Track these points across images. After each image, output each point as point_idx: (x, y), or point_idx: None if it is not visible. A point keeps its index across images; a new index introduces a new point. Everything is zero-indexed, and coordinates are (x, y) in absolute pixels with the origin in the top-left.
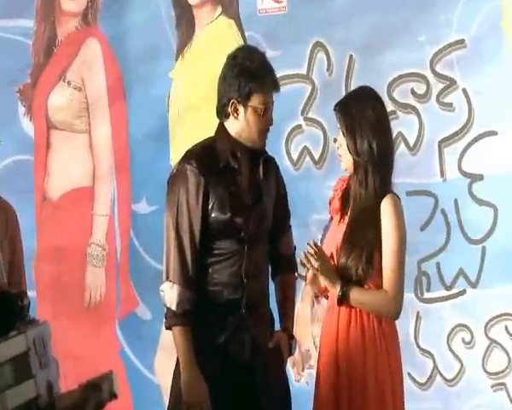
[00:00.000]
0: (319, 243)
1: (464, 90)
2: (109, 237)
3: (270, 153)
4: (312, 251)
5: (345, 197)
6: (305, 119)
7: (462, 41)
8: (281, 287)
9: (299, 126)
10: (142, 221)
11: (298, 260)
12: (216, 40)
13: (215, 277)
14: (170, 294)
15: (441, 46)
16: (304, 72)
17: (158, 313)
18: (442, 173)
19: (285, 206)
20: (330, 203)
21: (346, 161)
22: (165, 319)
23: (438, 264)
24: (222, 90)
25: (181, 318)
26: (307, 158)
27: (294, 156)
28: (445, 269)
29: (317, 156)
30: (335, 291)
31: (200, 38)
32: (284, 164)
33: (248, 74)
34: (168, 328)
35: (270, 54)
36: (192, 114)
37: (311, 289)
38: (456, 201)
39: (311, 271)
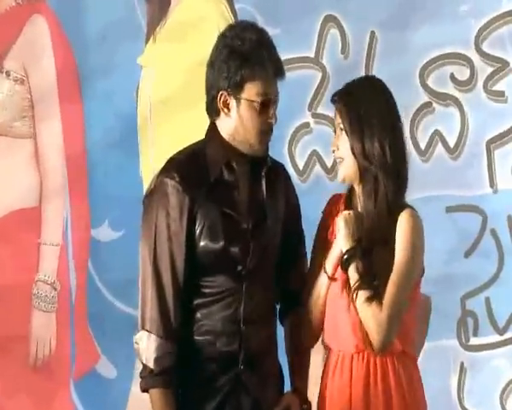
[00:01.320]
0: None
1: None
2: (61, 272)
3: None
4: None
5: None
6: (314, 115)
7: None
8: (291, 332)
9: (307, 125)
10: (103, 251)
11: None
12: (197, 15)
13: (205, 323)
14: (146, 347)
15: (489, 18)
16: (312, 54)
17: (125, 369)
18: (492, 183)
19: (297, 228)
20: (321, 227)
21: (347, 168)
22: (141, 378)
23: (487, 300)
24: (210, 80)
25: (160, 377)
26: (317, 166)
27: (300, 163)
28: (496, 307)
29: (329, 163)
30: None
31: (176, 14)
32: None
33: (239, 57)
34: (144, 390)
35: (268, 32)
36: (167, 111)
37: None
38: (509, 218)
39: None
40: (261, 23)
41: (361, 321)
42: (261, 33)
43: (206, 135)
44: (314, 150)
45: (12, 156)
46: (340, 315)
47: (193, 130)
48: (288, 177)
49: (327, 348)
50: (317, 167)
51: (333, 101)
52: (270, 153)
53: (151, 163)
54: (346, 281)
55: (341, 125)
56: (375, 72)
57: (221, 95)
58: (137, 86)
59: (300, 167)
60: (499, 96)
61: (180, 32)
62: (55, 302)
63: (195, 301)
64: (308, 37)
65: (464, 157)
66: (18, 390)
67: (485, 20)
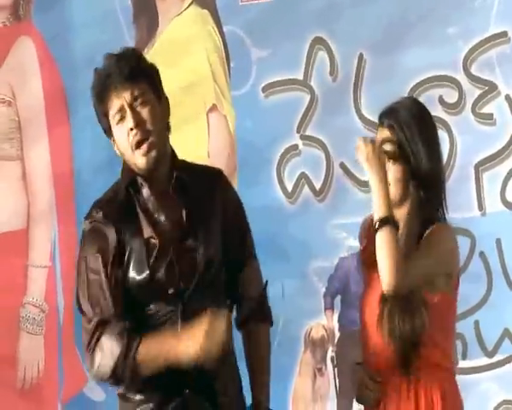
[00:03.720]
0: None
1: (508, 98)
2: (49, 294)
3: (258, 180)
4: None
5: None
6: (303, 137)
7: (504, 34)
8: (247, 341)
9: (295, 147)
10: None
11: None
12: (185, 38)
13: None
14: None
15: (477, 41)
16: (300, 76)
17: (113, 392)
18: (480, 206)
19: (238, 231)
20: (362, 252)
21: (394, 194)
22: None
23: (476, 323)
24: None
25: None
26: (305, 188)
27: (289, 186)
28: (485, 330)
29: (317, 186)
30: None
31: (164, 36)
32: (276, 195)
33: (94, 102)
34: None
35: (256, 53)
36: None
37: (311, 357)
38: (498, 241)
39: None
40: (250, 45)
41: (388, 344)
42: (111, 58)
43: None
44: (302, 172)
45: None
46: (373, 338)
47: (178, 152)
48: (224, 180)
49: (320, 371)
50: (306, 189)
51: (384, 124)
52: (259, 175)
53: None
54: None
55: (387, 147)
56: (364, 94)
57: (112, 142)
58: None
59: (289, 189)
60: (488, 118)
61: (168, 55)
62: (42, 325)
63: (141, 332)
64: (296, 59)
65: (453, 180)
66: None
67: (473, 42)
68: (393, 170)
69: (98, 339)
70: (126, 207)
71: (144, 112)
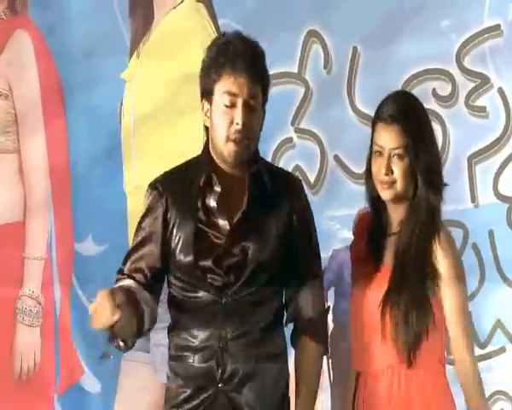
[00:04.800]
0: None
1: (500, 91)
2: (45, 286)
3: None
4: None
5: (375, 239)
6: (297, 130)
7: (497, 27)
8: (296, 359)
9: (290, 140)
10: (87, 265)
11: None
12: (180, 31)
13: (183, 338)
14: None
15: (470, 34)
16: (294, 69)
17: (109, 384)
18: (473, 198)
19: (306, 247)
20: (352, 249)
21: (398, 190)
22: None
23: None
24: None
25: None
26: None
27: None
28: (478, 321)
29: (312, 178)
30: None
31: (160, 29)
32: None
33: (208, 62)
34: None
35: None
36: (151, 125)
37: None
38: (491, 232)
39: None
40: None
41: (390, 332)
42: (233, 36)
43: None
44: (297, 165)
45: None
46: (367, 332)
47: (175, 144)
48: (300, 189)
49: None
50: None
51: (387, 120)
52: None
53: (134, 177)
54: (375, 295)
55: (396, 150)
56: (358, 87)
57: (203, 105)
58: (121, 101)
59: None
60: (480, 111)
61: (163, 48)
62: (39, 317)
63: (176, 317)
64: (291, 52)
65: (446, 172)
66: (2, 405)
67: (466, 35)
68: (399, 166)
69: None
70: (189, 190)
71: (252, 115)
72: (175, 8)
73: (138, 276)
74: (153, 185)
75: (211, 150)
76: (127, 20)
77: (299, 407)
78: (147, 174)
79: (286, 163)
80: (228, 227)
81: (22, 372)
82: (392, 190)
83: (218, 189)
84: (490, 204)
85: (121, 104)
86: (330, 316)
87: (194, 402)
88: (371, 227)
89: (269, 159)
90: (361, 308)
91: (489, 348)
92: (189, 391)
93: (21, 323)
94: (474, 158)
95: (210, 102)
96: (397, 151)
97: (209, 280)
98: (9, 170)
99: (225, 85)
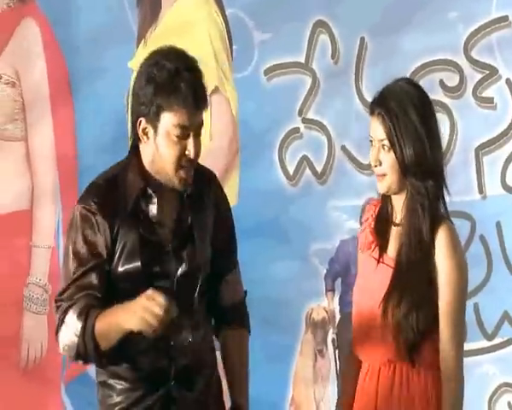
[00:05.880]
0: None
1: (508, 81)
2: (53, 275)
3: (260, 162)
4: None
5: (380, 227)
6: (304, 120)
7: (505, 18)
8: (224, 347)
9: (297, 130)
10: None
11: None
12: (188, 20)
13: (133, 341)
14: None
15: (478, 25)
16: (302, 59)
17: None
18: (481, 189)
19: (227, 240)
20: (359, 236)
21: (390, 183)
22: None
23: (476, 306)
24: (131, 106)
25: None
26: (307, 170)
27: (291, 168)
28: (485, 313)
29: (319, 168)
30: None
31: (167, 18)
32: (277, 178)
33: (154, 86)
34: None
35: (258, 36)
36: None
37: (312, 339)
38: (498, 224)
39: None
40: (252, 28)
41: (391, 329)
42: (182, 61)
43: (126, 158)
44: (304, 155)
45: (3, 159)
46: (369, 325)
47: None
48: (218, 185)
49: (320, 353)
50: (307, 172)
51: (374, 112)
52: (261, 157)
53: None
54: (378, 287)
55: (384, 141)
56: (365, 77)
57: (140, 122)
58: (128, 90)
59: (291, 172)
60: (488, 102)
61: (171, 37)
62: (46, 305)
63: None
64: (298, 42)
65: (453, 163)
66: (9, 392)
67: (474, 26)
68: (387, 157)
69: (64, 317)
70: (123, 202)
71: (198, 143)
72: None
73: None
74: (86, 200)
75: (145, 162)
76: (134, 9)
77: (237, 394)
78: None
79: (293, 153)
80: (169, 235)
81: (29, 360)
82: (384, 182)
83: (154, 199)
84: (497, 195)
85: (128, 93)
86: (337, 307)
87: (146, 403)
88: (378, 215)
89: (276, 149)
90: (364, 299)
91: (496, 340)
92: (138, 393)
93: (28, 310)
94: (482, 149)
95: (154, 126)
96: (384, 142)
97: (156, 285)
98: (17, 158)
99: (177, 119)
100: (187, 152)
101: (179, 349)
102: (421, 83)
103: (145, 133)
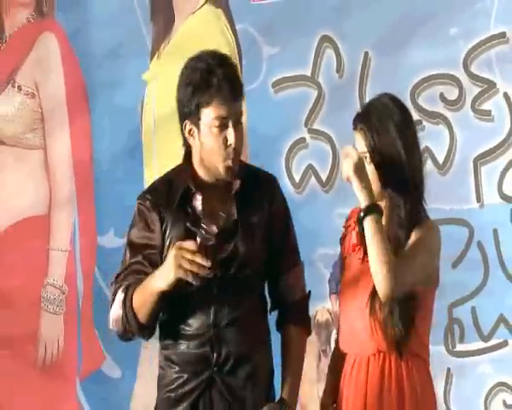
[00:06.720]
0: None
1: (506, 95)
2: (69, 277)
3: (268, 170)
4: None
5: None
6: (310, 130)
7: (503, 34)
8: (283, 342)
9: (303, 140)
10: (109, 257)
11: None
12: (200, 34)
13: (180, 327)
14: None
15: (477, 41)
16: (308, 73)
17: (129, 369)
18: (478, 198)
19: (284, 240)
20: (342, 242)
21: (373, 190)
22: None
23: (473, 309)
24: (177, 111)
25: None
26: (312, 179)
27: (297, 177)
28: (482, 315)
29: (324, 177)
30: (364, 200)
31: (180, 32)
32: (284, 185)
33: (191, 86)
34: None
35: (267, 51)
36: (170, 125)
37: (316, 340)
38: (495, 231)
39: None
40: (261, 43)
41: (379, 323)
42: (213, 59)
43: (182, 160)
44: (310, 164)
45: (23, 166)
46: (357, 320)
47: None
48: (275, 187)
49: (324, 352)
50: (313, 180)
51: (356, 127)
52: (268, 166)
53: (155, 174)
54: (363, 285)
55: (365, 154)
56: (368, 91)
57: (185, 125)
58: (142, 101)
59: (297, 180)
60: (486, 115)
61: (183, 50)
62: (63, 305)
63: (168, 309)
64: (305, 56)
65: (452, 173)
66: (27, 389)
67: (473, 42)
68: (369, 169)
69: (114, 297)
70: (173, 199)
71: (239, 129)
72: (194, 12)
73: (139, 282)
74: (142, 197)
75: (195, 164)
76: (149, 24)
77: (285, 388)
78: (167, 170)
79: (299, 162)
80: (215, 230)
81: (46, 358)
82: None
83: (199, 196)
84: (494, 204)
85: (142, 104)
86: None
87: (190, 386)
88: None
89: (283, 158)
90: (351, 296)
91: (492, 342)
92: (185, 376)
93: (46, 311)
94: (480, 160)
95: (196, 124)
96: (366, 155)
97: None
98: (36, 165)
99: (215, 112)
100: (228, 142)
101: (220, 339)
102: (422, 96)
103: (191, 134)
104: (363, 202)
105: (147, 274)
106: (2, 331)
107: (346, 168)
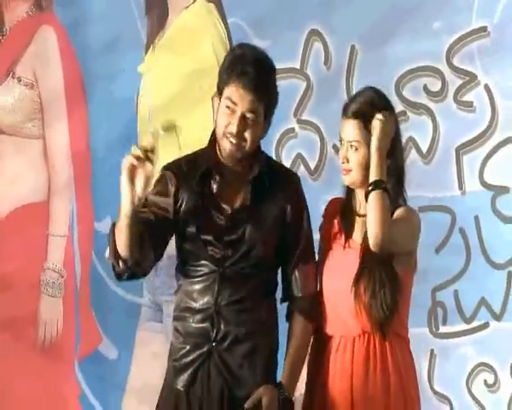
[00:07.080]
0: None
1: (486, 87)
2: (67, 261)
3: None
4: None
5: (345, 218)
6: (299, 121)
7: (484, 28)
8: (288, 333)
9: (292, 130)
10: (106, 243)
11: None
12: (192, 28)
13: (186, 301)
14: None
15: (459, 34)
16: (297, 65)
17: (126, 350)
18: (460, 186)
19: (297, 238)
20: (321, 229)
21: (354, 178)
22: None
23: (456, 292)
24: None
25: None
26: (301, 167)
27: (286, 165)
28: (464, 299)
29: (312, 165)
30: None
31: (174, 26)
32: None
33: (225, 65)
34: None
35: (257, 44)
36: (165, 115)
37: None
38: (476, 218)
39: None
40: (251, 36)
41: (364, 305)
42: (251, 50)
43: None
44: (299, 153)
45: (23, 155)
46: (341, 304)
47: (188, 132)
48: (294, 183)
49: (323, 336)
50: (302, 169)
51: (346, 115)
52: None
53: None
54: (346, 270)
55: (352, 143)
56: (355, 82)
57: (213, 100)
58: (138, 92)
59: None
60: (468, 106)
61: (177, 44)
62: (61, 289)
63: (181, 282)
64: (294, 49)
65: (436, 162)
66: (27, 369)
67: (456, 36)
68: (354, 156)
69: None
70: (195, 175)
71: (247, 126)
72: (187, 7)
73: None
74: (166, 167)
75: (218, 149)
76: (143, 18)
77: (285, 374)
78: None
79: (288, 151)
80: (229, 211)
81: (45, 340)
82: (348, 177)
83: (217, 177)
84: (476, 192)
85: (138, 96)
86: None
87: (191, 357)
88: (343, 207)
89: (272, 147)
90: (334, 280)
91: (474, 324)
92: (187, 347)
93: (45, 294)
94: (462, 149)
95: (219, 99)
96: (352, 143)
97: (210, 252)
98: (35, 154)
99: (230, 92)
100: (231, 125)
101: (220, 316)
102: (407, 87)
103: (216, 110)
104: (375, 176)
105: (147, 223)
106: (3, 314)
107: (378, 140)
